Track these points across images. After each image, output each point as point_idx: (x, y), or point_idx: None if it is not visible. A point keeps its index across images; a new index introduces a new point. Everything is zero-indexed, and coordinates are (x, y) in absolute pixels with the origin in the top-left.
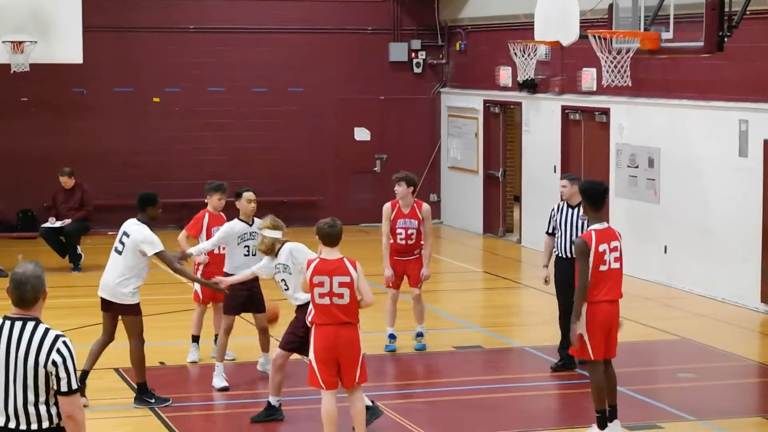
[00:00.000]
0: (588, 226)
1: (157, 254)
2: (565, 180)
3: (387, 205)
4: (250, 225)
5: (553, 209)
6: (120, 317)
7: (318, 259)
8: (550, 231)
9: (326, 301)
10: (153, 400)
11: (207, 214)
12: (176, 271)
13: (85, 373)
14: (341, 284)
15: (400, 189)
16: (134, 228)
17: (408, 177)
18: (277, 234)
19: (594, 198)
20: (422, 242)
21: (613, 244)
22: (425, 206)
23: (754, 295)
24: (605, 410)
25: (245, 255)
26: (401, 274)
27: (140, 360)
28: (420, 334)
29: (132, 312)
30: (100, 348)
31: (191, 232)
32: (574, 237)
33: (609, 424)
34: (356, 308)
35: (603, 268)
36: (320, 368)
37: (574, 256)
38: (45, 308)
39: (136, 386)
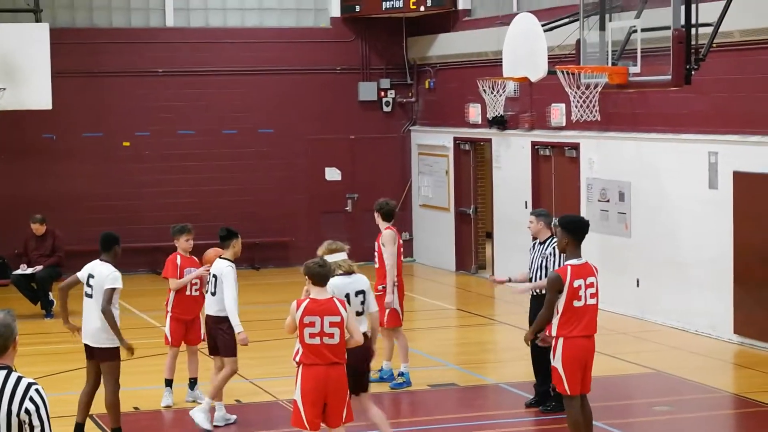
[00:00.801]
0: (565, 260)
1: (112, 288)
2: (532, 216)
3: None
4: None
5: (537, 245)
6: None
7: (308, 299)
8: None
9: (317, 341)
10: None
11: (179, 256)
12: (104, 312)
13: (79, 426)
14: (332, 324)
15: (376, 217)
16: (100, 268)
17: (377, 205)
18: (337, 257)
19: (578, 232)
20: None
21: (589, 280)
22: (385, 232)
23: (727, 327)
24: None
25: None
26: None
27: (115, 405)
28: (401, 374)
29: (110, 356)
30: (88, 398)
31: (172, 275)
32: (544, 273)
33: None
34: (344, 348)
35: (578, 303)
36: (306, 409)
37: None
38: (17, 355)
39: None
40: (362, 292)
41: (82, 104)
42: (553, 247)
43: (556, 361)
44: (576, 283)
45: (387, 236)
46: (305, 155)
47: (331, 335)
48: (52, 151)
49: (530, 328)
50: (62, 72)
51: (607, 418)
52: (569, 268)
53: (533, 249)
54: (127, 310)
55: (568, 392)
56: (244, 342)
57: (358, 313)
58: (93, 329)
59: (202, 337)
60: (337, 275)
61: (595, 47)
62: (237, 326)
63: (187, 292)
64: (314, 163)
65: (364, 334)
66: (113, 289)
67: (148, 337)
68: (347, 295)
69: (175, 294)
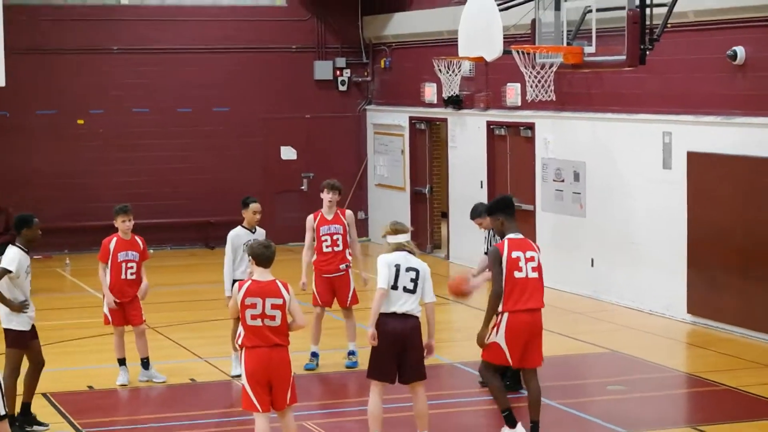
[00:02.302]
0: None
1: (3, 268)
2: (477, 219)
3: (310, 217)
4: (253, 232)
5: (489, 232)
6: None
7: (250, 281)
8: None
9: (258, 323)
10: None
11: (115, 239)
12: None
13: (25, 406)
14: (273, 306)
15: (334, 197)
16: (7, 251)
17: (340, 186)
18: (401, 238)
19: (505, 209)
20: (348, 254)
21: (530, 254)
22: (348, 212)
23: (681, 306)
24: (510, 408)
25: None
26: (330, 291)
27: (7, 389)
28: (352, 353)
29: (7, 339)
30: (30, 379)
31: (103, 259)
32: None
33: None
34: (287, 330)
35: (518, 274)
36: (254, 390)
37: None
38: None
39: None
40: (415, 270)
41: (35, 81)
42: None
43: (499, 337)
44: (514, 254)
45: (353, 217)
46: (260, 134)
47: (273, 317)
48: (5, 128)
49: (485, 317)
50: (16, 49)
51: (562, 398)
52: (506, 240)
53: (489, 237)
54: (80, 289)
55: (510, 363)
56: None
57: (407, 290)
58: (2, 312)
59: (143, 318)
60: (396, 252)
61: (550, 27)
62: (226, 290)
63: (123, 276)
64: (270, 142)
65: (412, 316)
66: (3, 269)
67: (102, 316)
68: (397, 267)
69: (111, 276)
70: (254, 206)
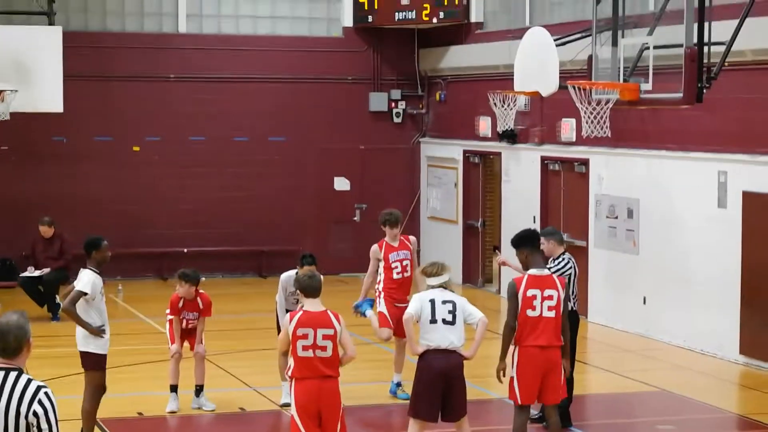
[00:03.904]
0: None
1: (78, 291)
2: (542, 238)
3: (375, 247)
4: None
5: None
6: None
7: (301, 311)
8: None
9: (309, 353)
10: None
11: (182, 300)
12: (64, 310)
13: None
14: (325, 337)
15: (398, 231)
16: (80, 274)
17: (401, 218)
18: (434, 281)
19: (528, 242)
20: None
21: (548, 292)
22: (412, 238)
23: (733, 347)
24: None
25: (293, 303)
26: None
27: (87, 412)
28: (399, 384)
29: (87, 361)
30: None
31: (173, 313)
32: (571, 290)
33: None
34: (338, 361)
35: (531, 313)
36: (303, 422)
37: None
38: None
39: None
40: (451, 302)
41: (93, 108)
42: (567, 260)
43: (513, 371)
44: (530, 293)
45: (416, 243)
46: (315, 164)
47: (324, 348)
48: (62, 154)
49: (501, 350)
50: (74, 75)
51: None
52: (526, 276)
53: (549, 268)
54: (132, 315)
55: (519, 401)
56: None
57: (446, 322)
58: (77, 335)
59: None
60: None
61: (607, 63)
62: (284, 325)
63: (183, 326)
64: (324, 173)
65: (454, 351)
66: (78, 292)
67: (154, 343)
68: (432, 301)
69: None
70: (308, 269)
